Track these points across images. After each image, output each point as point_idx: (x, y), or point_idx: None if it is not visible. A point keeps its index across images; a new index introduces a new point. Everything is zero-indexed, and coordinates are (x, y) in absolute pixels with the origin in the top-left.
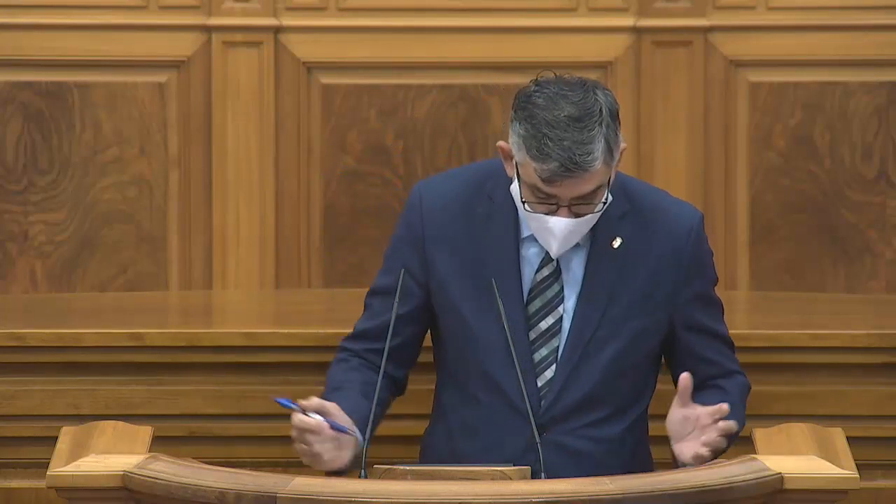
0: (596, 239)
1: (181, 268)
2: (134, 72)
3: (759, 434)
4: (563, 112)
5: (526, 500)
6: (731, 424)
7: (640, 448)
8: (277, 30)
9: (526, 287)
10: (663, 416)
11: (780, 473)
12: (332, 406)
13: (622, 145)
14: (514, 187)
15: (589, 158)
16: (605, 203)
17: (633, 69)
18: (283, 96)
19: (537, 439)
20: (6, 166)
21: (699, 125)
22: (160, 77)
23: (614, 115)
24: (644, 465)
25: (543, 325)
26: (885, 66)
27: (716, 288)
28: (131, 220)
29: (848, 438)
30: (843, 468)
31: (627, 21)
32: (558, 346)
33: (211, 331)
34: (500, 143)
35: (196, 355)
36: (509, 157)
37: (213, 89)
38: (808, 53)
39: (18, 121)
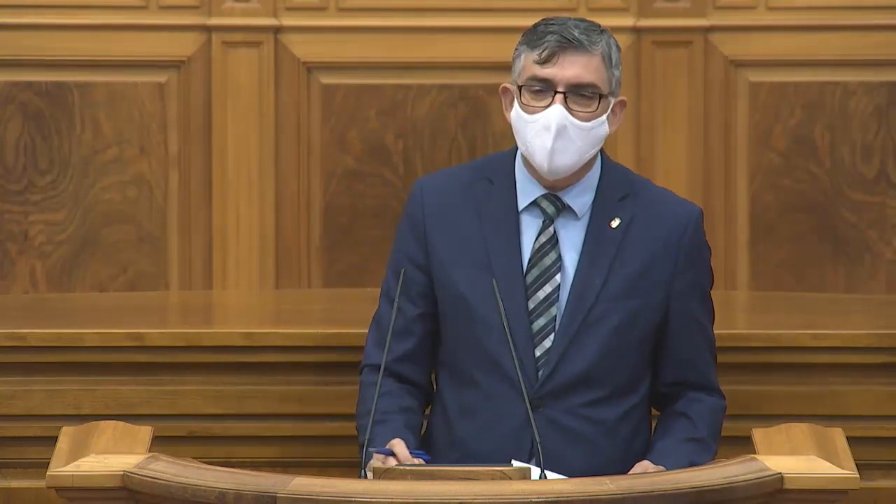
0: (594, 216)
1: (181, 268)
2: (134, 72)
3: (759, 434)
4: (569, 21)
5: (526, 500)
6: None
7: (638, 440)
8: (277, 30)
9: (525, 257)
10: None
11: (780, 473)
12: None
13: (621, 98)
14: (514, 112)
15: (587, 36)
16: (600, 117)
17: (633, 69)
18: (283, 96)
19: (531, 414)
20: (6, 166)
21: (699, 125)
22: (160, 77)
23: (617, 48)
24: (640, 457)
25: (541, 293)
26: (885, 66)
27: (713, 288)
28: (131, 220)
29: (848, 438)
30: (843, 468)
31: (627, 21)
32: (556, 316)
33: (211, 331)
34: (504, 85)
35: (196, 355)
36: (510, 95)
37: (213, 89)
38: (808, 53)
39: (18, 121)
